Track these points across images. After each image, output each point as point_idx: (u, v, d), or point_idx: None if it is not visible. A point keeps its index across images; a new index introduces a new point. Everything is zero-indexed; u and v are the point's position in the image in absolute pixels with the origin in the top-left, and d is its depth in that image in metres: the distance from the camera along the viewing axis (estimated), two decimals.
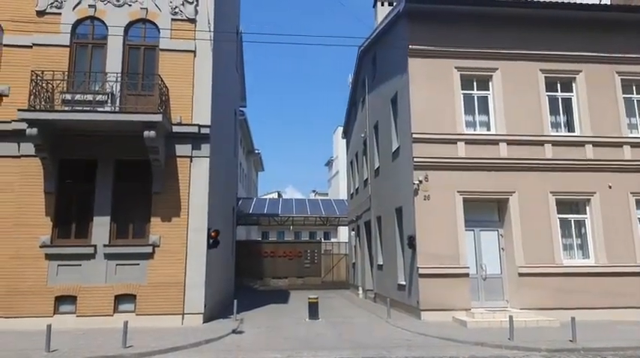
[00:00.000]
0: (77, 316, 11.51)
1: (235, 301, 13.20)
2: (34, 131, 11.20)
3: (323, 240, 36.21)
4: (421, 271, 12.78)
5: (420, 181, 13.16)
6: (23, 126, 11.33)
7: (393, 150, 15.65)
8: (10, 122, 11.86)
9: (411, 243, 13.22)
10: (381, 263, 17.61)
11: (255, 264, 27.11)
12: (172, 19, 13.06)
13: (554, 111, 14.33)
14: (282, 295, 22.10)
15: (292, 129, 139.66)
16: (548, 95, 14.16)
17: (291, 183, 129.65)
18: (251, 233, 39.27)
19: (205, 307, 12.21)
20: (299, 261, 27.94)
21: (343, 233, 40.93)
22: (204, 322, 12.03)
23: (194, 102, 12.89)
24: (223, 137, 16.61)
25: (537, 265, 13.01)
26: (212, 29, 13.24)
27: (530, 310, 12.58)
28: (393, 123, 15.94)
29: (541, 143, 13.77)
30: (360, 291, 21.51)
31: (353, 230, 24.81)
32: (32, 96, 11.50)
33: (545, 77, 14.16)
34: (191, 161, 12.74)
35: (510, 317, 10.11)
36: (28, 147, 11.80)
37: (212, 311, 13.01)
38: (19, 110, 11.28)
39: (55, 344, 8.87)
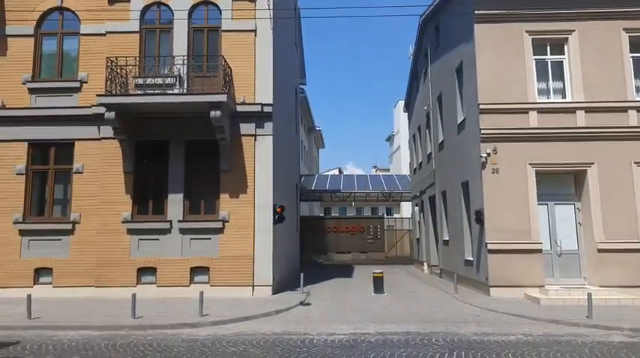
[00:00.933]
0: (157, 286, 12.39)
1: (302, 274, 13.57)
2: (111, 114, 11.97)
3: (385, 216, 36.07)
4: (490, 246, 12.38)
5: (488, 154, 12.61)
6: (102, 110, 12.14)
7: (459, 123, 15.08)
8: (90, 107, 12.76)
9: (479, 217, 12.80)
10: (447, 238, 17.26)
11: (318, 239, 27.62)
12: (233, 0, 13.26)
13: (639, 74, 13.06)
14: (346, 269, 22.41)
15: (351, 105, 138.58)
16: (632, 57, 12.90)
17: (351, 159, 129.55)
18: (313, 209, 39.91)
19: (273, 279, 12.68)
20: (362, 237, 28.10)
21: (406, 208, 40.48)
22: (272, 294, 12.52)
23: (256, 82, 13.12)
24: (285, 115, 16.83)
25: (619, 241, 12.14)
26: (271, 7, 13.29)
27: (610, 288, 11.83)
28: (458, 94, 15.32)
29: (624, 109, 12.65)
30: (425, 267, 21.29)
31: (416, 205, 24.45)
32: (108, 82, 12.24)
33: (630, 37, 12.87)
34: (255, 139, 13.06)
35: (589, 295, 9.58)
36: (107, 130, 12.65)
37: (280, 284, 13.48)
38: (97, 95, 12.10)
39: (139, 311, 9.63)
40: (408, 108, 27.14)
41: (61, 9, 13.42)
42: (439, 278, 17.79)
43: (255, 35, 13.22)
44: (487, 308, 10.75)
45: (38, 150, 13.15)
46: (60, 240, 12.64)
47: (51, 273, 12.57)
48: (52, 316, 9.57)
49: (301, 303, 11.53)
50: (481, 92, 12.86)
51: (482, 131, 12.75)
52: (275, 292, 12.71)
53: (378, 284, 13.71)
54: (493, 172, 12.61)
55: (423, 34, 20.84)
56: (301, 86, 26.59)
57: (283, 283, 14.10)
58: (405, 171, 36.60)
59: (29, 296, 9.65)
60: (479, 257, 13.17)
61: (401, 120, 43.82)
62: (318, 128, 41.55)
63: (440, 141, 17.98)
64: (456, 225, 15.72)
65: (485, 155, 12.62)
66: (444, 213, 17.81)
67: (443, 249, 18.04)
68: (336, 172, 52.13)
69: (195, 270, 12.54)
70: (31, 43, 13.29)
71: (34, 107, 13.04)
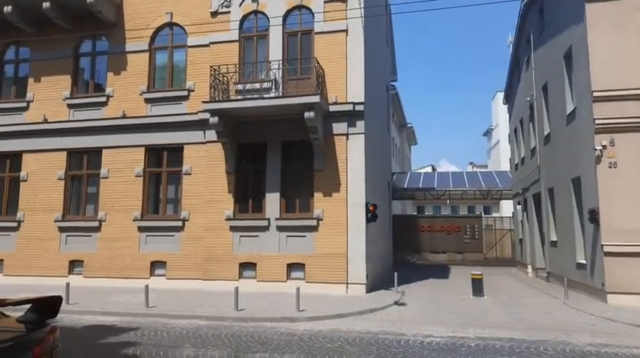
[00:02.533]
0: (257, 281, 13.04)
1: (396, 274, 13.41)
2: (215, 119, 12.84)
3: (484, 215, 34.28)
4: (607, 249, 11.18)
5: (604, 146, 11.39)
6: (207, 115, 13.06)
7: (568, 113, 13.80)
8: (196, 113, 13.79)
9: (593, 217, 11.61)
10: (555, 239, 15.91)
11: (412, 239, 27.08)
12: (325, 2, 13.49)
13: None
14: (441, 270, 21.69)
15: (445, 100, 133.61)
16: None
17: (445, 156, 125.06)
18: (406, 207, 39.20)
19: (367, 278, 12.69)
20: (458, 236, 26.99)
21: (506, 207, 38.08)
22: (366, 292, 12.53)
23: (348, 81, 13.22)
24: (376, 113, 16.74)
25: None
26: (362, 6, 13.29)
27: None
28: (566, 81, 14.03)
29: None
30: (529, 269, 19.84)
31: (519, 203, 22.87)
32: (212, 89, 13.14)
33: None
34: (347, 138, 13.16)
35: None
36: (212, 134, 13.58)
37: (373, 283, 13.45)
38: (202, 102, 13.06)
39: (241, 304, 10.21)
40: (508, 99, 25.47)
41: (170, 24, 14.70)
42: (546, 283, 16.46)
43: (347, 35, 13.32)
44: (603, 316, 9.72)
45: (153, 154, 14.54)
46: (172, 235, 13.86)
47: (164, 266, 13.83)
48: (166, 306, 10.53)
49: (396, 303, 11.40)
50: (594, 78, 11.65)
51: (597, 121, 11.54)
52: (369, 290, 12.71)
53: (477, 286, 13.07)
54: (610, 167, 11.36)
55: (525, 19, 19.42)
56: (392, 83, 26.25)
57: (377, 282, 14.05)
58: (505, 167, 34.43)
59: (147, 287, 10.71)
60: (593, 260, 11.95)
61: (500, 113, 41.30)
62: (409, 124, 40.69)
63: (546, 134, 16.62)
64: (566, 224, 14.42)
65: (600, 148, 11.41)
66: (551, 211, 16.44)
67: (550, 250, 16.66)
68: (429, 170, 50.64)
69: (292, 266, 12.99)
70: (146, 58, 14.73)
71: (149, 115, 14.43)
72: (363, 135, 13.13)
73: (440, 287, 15.09)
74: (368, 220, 13.01)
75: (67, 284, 11.07)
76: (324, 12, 13.42)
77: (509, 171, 27.40)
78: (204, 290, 12.96)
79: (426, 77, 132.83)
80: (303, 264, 12.88)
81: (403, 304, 11.46)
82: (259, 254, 13.16)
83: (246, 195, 13.73)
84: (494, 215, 38.20)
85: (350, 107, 13.00)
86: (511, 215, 27.94)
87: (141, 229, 14.08)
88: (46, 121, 14.97)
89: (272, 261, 13.04)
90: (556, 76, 14.97)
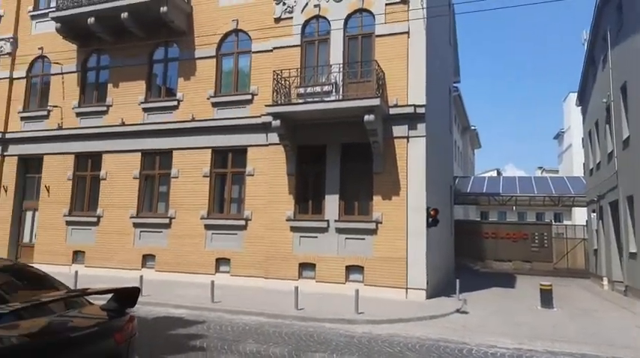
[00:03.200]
0: (316, 281, 13.19)
1: (457, 280, 13.04)
2: (277, 122, 13.17)
3: (554, 222, 32.43)
4: None
5: None
6: (269, 119, 13.43)
7: None
8: (259, 116, 14.22)
9: None
10: (634, 251, 14.74)
11: (474, 245, 26.13)
12: (386, 4, 13.43)
13: None
14: (506, 279, 20.76)
15: (512, 101, 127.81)
16: None
17: (511, 160, 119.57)
18: (469, 212, 37.93)
19: (427, 284, 12.44)
20: (525, 244, 25.69)
21: (580, 215, 35.75)
22: (426, 298, 12.29)
23: (409, 83, 13.07)
24: (438, 115, 16.40)
25: None
26: (424, 6, 13.09)
27: None
28: None
29: None
30: (605, 282, 18.50)
31: (594, 211, 21.41)
32: (274, 93, 13.49)
33: None
34: (408, 141, 13.00)
35: None
36: (274, 137, 13.94)
37: (434, 289, 13.17)
38: (265, 106, 13.45)
39: (301, 303, 10.39)
40: (582, 101, 23.94)
41: (236, 31, 15.28)
42: (624, 297, 15.28)
43: (409, 37, 13.18)
44: None
45: (219, 155, 15.16)
46: (235, 234, 14.37)
47: (228, 263, 14.37)
48: (230, 301, 10.94)
49: (457, 311, 11.08)
50: None
51: None
52: (429, 297, 12.46)
53: (546, 297, 12.40)
54: None
55: (601, 16, 18.20)
56: (455, 84, 25.56)
57: (438, 288, 13.73)
58: (579, 172, 32.35)
59: (212, 283, 11.19)
60: None
61: (572, 115, 38.85)
62: (473, 127, 39.41)
63: (624, 138, 15.45)
64: None
65: None
66: (631, 221, 15.24)
67: (629, 263, 15.45)
68: (494, 174, 48.65)
69: (351, 269, 13.01)
70: (213, 63, 15.41)
71: (216, 119, 15.08)
72: (424, 138, 12.91)
73: (505, 297, 14.47)
74: (429, 225, 12.76)
75: (141, 277, 11.84)
76: (385, 14, 13.37)
77: (583, 177, 25.73)
78: (265, 288, 13.31)
79: (492, 78, 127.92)
80: (362, 267, 12.86)
81: (465, 312, 11.12)
82: (318, 255, 13.31)
83: (306, 196, 13.96)
84: (565, 223, 36.00)
85: (411, 110, 12.84)
86: (585, 223, 26.21)
87: (207, 227, 14.72)
88: (123, 124, 16.10)
89: (331, 263, 13.14)
90: (636, 76, 13.89)
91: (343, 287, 12.75)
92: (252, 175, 14.45)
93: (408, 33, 13.19)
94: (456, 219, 24.72)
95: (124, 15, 15.23)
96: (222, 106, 15.15)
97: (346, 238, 13.16)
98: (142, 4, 15.06)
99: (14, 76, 18.21)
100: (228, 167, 15.02)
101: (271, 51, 14.58)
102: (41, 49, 17.80)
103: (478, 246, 26.29)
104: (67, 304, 4.45)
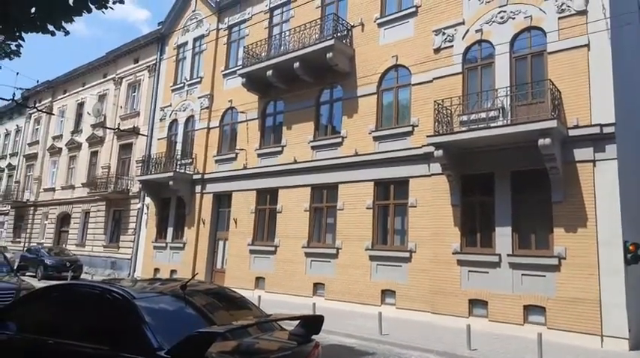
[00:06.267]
0: (489, 320, 12.27)
1: None
2: (439, 152, 12.97)
3: None
4: None
5: None
6: (431, 149, 13.31)
7: None
8: (420, 147, 14.20)
9: None
10: None
11: None
12: (559, 18, 12.34)
13: None
14: None
15: None
16: None
17: None
18: None
19: (630, 331, 10.53)
20: None
21: None
22: (630, 349, 10.38)
23: (592, 100, 11.64)
24: (633, 134, 14.12)
25: None
26: (607, 15, 11.64)
27: None
28: None
29: None
30: None
31: None
32: (436, 123, 13.35)
33: None
34: (594, 165, 11.48)
35: None
36: (436, 167, 13.73)
37: (639, 338, 11.07)
38: (427, 136, 13.40)
39: (473, 343, 9.78)
40: None
41: (396, 66, 15.74)
42: None
43: (589, 50, 11.82)
44: None
45: (381, 187, 15.53)
46: (400, 266, 14.36)
47: (394, 295, 14.37)
48: (398, 335, 10.89)
49: None
50: None
51: None
52: (633, 347, 10.50)
53: None
54: None
55: None
56: None
57: None
58: None
59: (380, 314, 11.32)
60: None
61: None
62: None
63: None
64: None
65: None
66: None
67: None
68: None
69: (529, 309, 11.80)
70: (374, 100, 16.06)
71: (377, 152, 15.57)
72: (615, 161, 11.24)
73: None
74: (627, 262, 10.90)
75: (313, 304, 12.64)
76: (558, 30, 12.28)
77: None
78: (432, 323, 12.89)
79: None
80: (544, 308, 11.55)
81: None
82: (490, 291, 12.42)
83: (474, 228, 13.26)
84: None
85: (596, 130, 11.37)
86: None
87: (371, 258, 15.05)
88: (295, 162, 17.74)
89: (505, 301, 12.12)
90: None
91: (521, 328, 11.60)
92: (415, 206, 14.38)
93: (588, 46, 11.85)
94: None
95: (296, 65, 17.02)
96: (383, 140, 15.59)
97: (522, 274, 12.03)
98: (311, 52, 16.66)
99: (210, 126, 21.72)
100: (391, 198, 15.24)
101: (431, 81, 14.56)
102: (230, 101, 20.94)
103: None
104: (260, 327, 4.98)
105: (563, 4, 12.33)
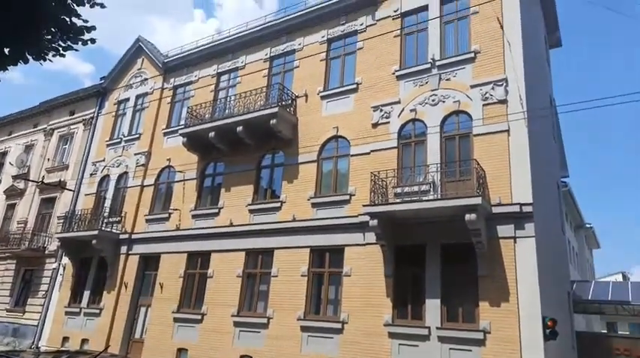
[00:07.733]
0: None
1: None
2: (374, 222, 13.23)
3: None
4: None
5: None
6: (366, 218, 13.55)
7: None
8: (357, 216, 14.46)
9: None
10: None
11: None
12: (483, 105, 13.60)
13: None
14: None
15: (629, 193, 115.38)
16: None
17: (639, 261, 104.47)
18: (592, 323, 32.98)
19: None
20: None
21: None
22: None
23: (512, 181, 12.61)
24: (547, 213, 15.33)
25: None
26: (524, 106, 13.01)
27: None
28: None
29: None
30: None
31: None
32: (372, 193, 13.75)
33: None
34: (515, 242, 12.19)
35: None
36: (371, 236, 13.93)
37: None
38: (363, 205, 13.71)
39: None
40: None
41: (336, 137, 16.34)
42: None
43: (509, 135, 13.00)
44: None
45: (317, 254, 15.39)
46: (332, 338, 13.92)
47: None
48: None
49: None
50: None
51: None
52: None
53: None
54: None
55: None
56: (563, 179, 24.05)
57: None
58: None
59: None
60: None
61: None
62: (588, 225, 35.85)
63: None
64: None
65: None
66: None
67: None
68: (619, 278, 42.68)
69: None
70: (314, 167, 16.39)
71: (315, 218, 15.63)
72: (533, 239, 12.02)
73: None
74: (546, 338, 11.32)
75: None
76: (483, 115, 13.49)
77: None
78: None
79: (604, 171, 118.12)
80: None
81: None
82: None
83: (405, 299, 13.33)
84: None
85: (516, 208, 12.22)
86: None
87: (303, 329, 14.52)
88: (232, 225, 17.31)
89: None
90: None
91: None
92: (349, 275, 14.32)
93: (508, 131, 13.05)
94: (578, 331, 21.61)
95: (240, 128, 17.18)
96: (321, 207, 15.73)
97: (450, 348, 12.07)
98: (256, 118, 16.94)
99: (145, 184, 20.93)
100: (326, 267, 15.11)
101: (369, 153, 15.20)
102: (169, 159, 20.49)
103: None
104: None
105: (486, 92, 13.67)
